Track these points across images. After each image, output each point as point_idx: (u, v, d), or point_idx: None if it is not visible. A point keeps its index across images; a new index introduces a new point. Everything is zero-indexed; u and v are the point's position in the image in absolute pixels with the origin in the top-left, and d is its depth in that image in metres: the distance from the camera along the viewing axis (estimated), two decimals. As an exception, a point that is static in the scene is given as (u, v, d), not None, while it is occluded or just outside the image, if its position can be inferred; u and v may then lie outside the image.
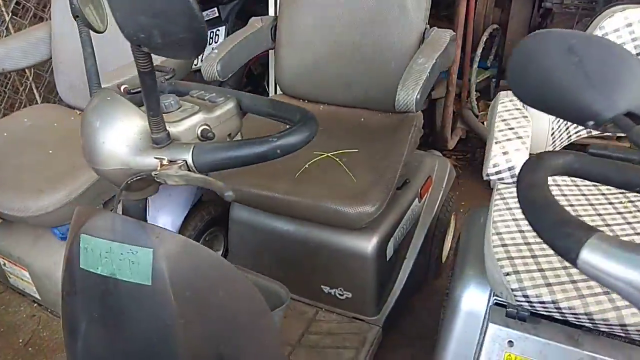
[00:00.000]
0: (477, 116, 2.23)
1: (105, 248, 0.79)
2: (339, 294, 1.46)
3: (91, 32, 0.89)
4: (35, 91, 2.25)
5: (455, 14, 1.86)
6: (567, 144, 1.20)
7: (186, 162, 0.69)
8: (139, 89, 0.90)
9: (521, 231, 1.04)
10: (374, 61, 1.47)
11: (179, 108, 0.82)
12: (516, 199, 1.11)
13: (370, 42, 1.46)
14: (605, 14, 1.05)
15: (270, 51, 1.76)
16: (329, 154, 1.38)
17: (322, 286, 1.46)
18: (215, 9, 2.01)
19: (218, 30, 1.98)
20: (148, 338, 0.79)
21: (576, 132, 1.18)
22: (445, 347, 1.24)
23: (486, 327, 1.06)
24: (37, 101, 2.26)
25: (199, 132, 0.78)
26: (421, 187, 1.55)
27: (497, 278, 0.97)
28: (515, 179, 0.92)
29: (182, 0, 0.48)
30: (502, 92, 1.10)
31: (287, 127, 0.73)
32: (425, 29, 1.41)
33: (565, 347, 0.99)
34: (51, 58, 1.75)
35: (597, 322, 0.89)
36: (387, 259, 1.43)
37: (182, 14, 0.49)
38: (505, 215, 1.07)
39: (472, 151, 2.46)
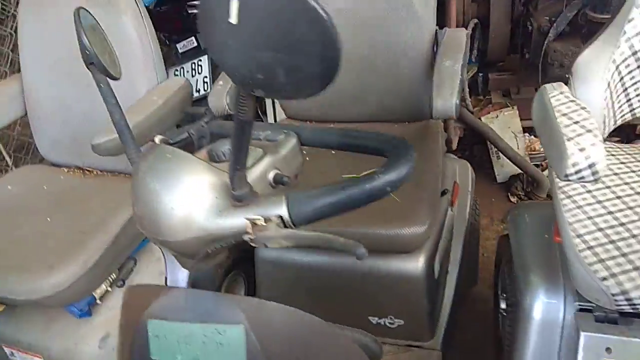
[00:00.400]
0: (472, 112, 2.19)
1: (183, 332, 0.66)
2: (389, 323, 1.36)
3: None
4: (3, 152, 2.05)
5: (446, 12, 1.82)
6: (614, 128, 1.15)
7: (282, 218, 0.58)
8: (181, 139, 0.80)
9: (600, 229, 0.98)
10: (386, 71, 1.39)
11: (238, 154, 0.71)
12: (583, 195, 1.06)
13: (379, 51, 1.38)
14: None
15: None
16: (360, 176, 1.28)
17: (369, 317, 1.36)
18: (193, 38, 1.89)
19: (200, 60, 1.86)
20: None
21: (622, 116, 1.14)
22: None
23: (577, 337, 0.99)
24: (7, 163, 2.07)
25: (270, 178, 0.67)
26: (451, 194, 1.48)
27: (593, 285, 0.90)
28: (596, 177, 0.85)
29: (321, 24, 0.39)
30: (547, 85, 1.04)
31: (382, 161, 0.63)
32: (436, 29, 1.35)
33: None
34: (26, 114, 1.59)
35: None
36: (435, 277, 1.35)
37: (318, 43, 0.40)
38: (579, 215, 1.00)
39: (469, 149, 2.42)
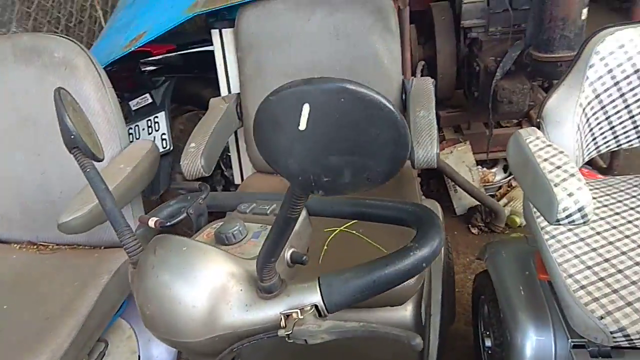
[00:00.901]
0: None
1: None
2: (382, 375, 1.32)
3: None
4: None
5: (403, 59, 1.88)
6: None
7: (316, 307, 0.55)
8: (178, 220, 0.75)
9: (589, 267, 1.01)
10: (356, 121, 1.40)
11: (246, 235, 0.67)
12: (566, 234, 1.09)
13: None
14: (597, 39, 1.09)
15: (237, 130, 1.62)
16: (342, 229, 1.27)
17: (361, 371, 1.32)
18: (147, 95, 1.83)
19: (156, 117, 1.80)
20: None
21: (588, 154, 1.20)
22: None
23: (577, 375, 1.00)
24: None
25: (288, 258, 0.64)
26: (426, 236, 1.49)
27: (591, 324, 0.92)
28: (585, 219, 0.89)
29: (395, 126, 0.37)
30: (521, 131, 1.08)
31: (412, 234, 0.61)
32: (403, 80, 1.38)
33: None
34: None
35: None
36: (423, 324, 1.34)
37: (390, 143, 0.38)
38: (567, 255, 1.04)
39: (426, 183, 2.48)
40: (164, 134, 1.78)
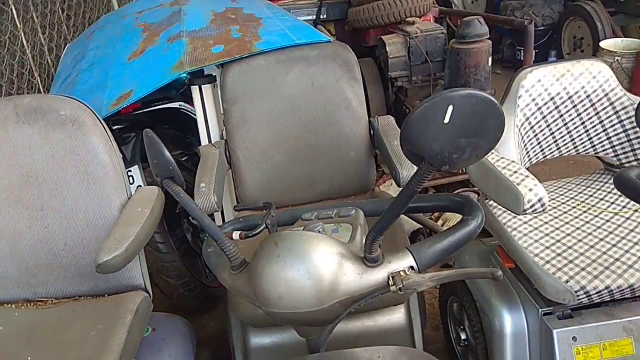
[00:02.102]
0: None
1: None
2: (384, 376, 1.49)
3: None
4: None
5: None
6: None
7: (412, 267, 0.73)
8: (260, 231, 0.90)
9: (547, 247, 1.30)
10: (334, 156, 1.63)
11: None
12: (523, 226, 1.38)
13: (326, 140, 1.62)
14: (521, 75, 1.44)
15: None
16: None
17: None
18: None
19: (130, 171, 1.87)
20: None
21: (524, 164, 1.52)
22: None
23: (551, 335, 1.26)
24: None
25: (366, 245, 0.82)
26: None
27: (560, 288, 1.19)
28: (544, 207, 1.17)
29: (501, 118, 0.59)
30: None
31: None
32: (370, 119, 1.65)
33: (608, 323, 1.26)
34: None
35: (636, 289, 1.18)
36: (412, 325, 1.54)
37: (497, 130, 0.59)
38: (528, 241, 1.32)
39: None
40: (139, 185, 1.86)
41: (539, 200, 1.16)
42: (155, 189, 1.43)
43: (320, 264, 0.72)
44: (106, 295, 1.42)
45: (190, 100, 2.29)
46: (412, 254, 0.75)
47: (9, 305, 1.43)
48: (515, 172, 1.24)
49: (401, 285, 0.71)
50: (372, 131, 1.63)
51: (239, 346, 1.61)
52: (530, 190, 1.17)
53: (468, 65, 2.12)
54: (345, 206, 0.91)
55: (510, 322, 1.39)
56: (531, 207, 1.16)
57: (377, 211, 0.92)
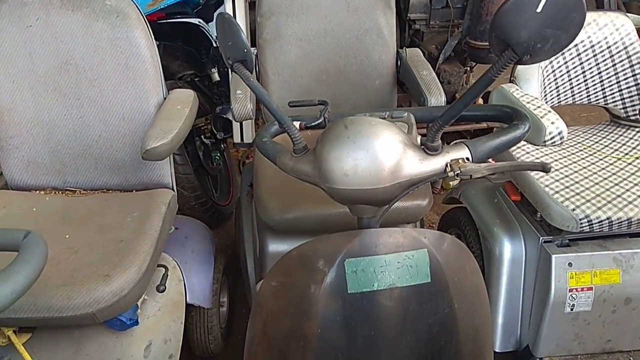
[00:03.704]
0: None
1: (379, 264, 0.84)
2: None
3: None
4: None
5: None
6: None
7: (467, 159, 0.81)
8: (317, 122, 0.97)
9: (557, 180, 1.40)
10: (359, 82, 1.68)
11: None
12: (535, 159, 1.48)
13: (354, 66, 1.67)
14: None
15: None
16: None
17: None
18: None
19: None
20: (431, 329, 0.87)
21: (551, 101, 1.61)
22: (498, 299, 1.52)
23: (550, 260, 1.38)
24: None
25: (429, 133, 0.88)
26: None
27: (566, 215, 1.30)
28: (563, 140, 1.27)
29: (583, 12, 0.65)
30: (504, 85, 1.46)
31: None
32: (398, 49, 1.70)
33: (601, 253, 1.39)
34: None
35: (632, 223, 1.30)
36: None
37: (578, 25, 0.66)
38: (539, 173, 1.42)
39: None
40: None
41: (559, 133, 1.26)
42: (191, 92, 1.47)
43: (387, 146, 0.80)
44: (134, 191, 1.48)
45: (205, 21, 2.29)
46: (468, 147, 0.83)
47: (38, 191, 1.48)
48: (538, 107, 1.32)
49: (458, 172, 0.80)
50: (399, 62, 1.69)
51: (253, 253, 1.70)
52: (552, 123, 1.26)
53: (490, 12, 2.16)
54: (397, 110, 0.98)
55: (510, 249, 1.51)
56: (551, 138, 1.26)
57: (425, 117, 0.99)
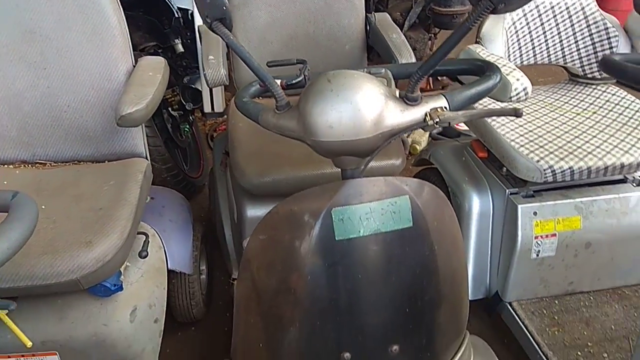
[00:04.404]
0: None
1: (364, 211, 0.88)
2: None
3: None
4: None
5: None
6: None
7: (445, 108, 0.85)
8: (298, 80, 0.98)
9: (521, 135, 1.48)
10: (329, 47, 1.70)
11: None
12: (501, 119, 1.54)
13: (324, 31, 1.68)
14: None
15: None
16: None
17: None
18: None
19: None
20: (413, 271, 0.92)
21: (514, 61, 1.67)
22: (468, 251, 1.60)
23: (516, 210, 1.46)
24: None
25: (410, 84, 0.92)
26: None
27: (531, 166, 1.38)
28: (527, 96, 1.33)
29: None
30: (470, 46, 1.50)
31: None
32: (367, 14, 1.71)
33: (562, 202, 1.48)
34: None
35: (592, 171, 1.39)
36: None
37: None
38: (505, 130, 1.49)
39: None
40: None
41: (524, 89, 1.32)
42: (161, 59, 1.45)
43: (369, 98, 0.83)
44: (106, 161, 1.46)
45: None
46: (445, 97, 0.87)
47: (7, 166, 1.44)
48: (504, 65, 1.38)
49: (437, 120, 0.84)
50: (368, 26, 1.71)
51: (230, 221, 1.72)
52: (518, 80, 1.32)
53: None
54: (374, 67, 1.01)
55: (479, 203, 1.58)
56: (517, 95, 1.31)
57: (402, 73, 1.02)
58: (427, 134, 2.66)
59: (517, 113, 0.84)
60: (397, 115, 0.85)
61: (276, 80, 0.96)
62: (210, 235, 1.89)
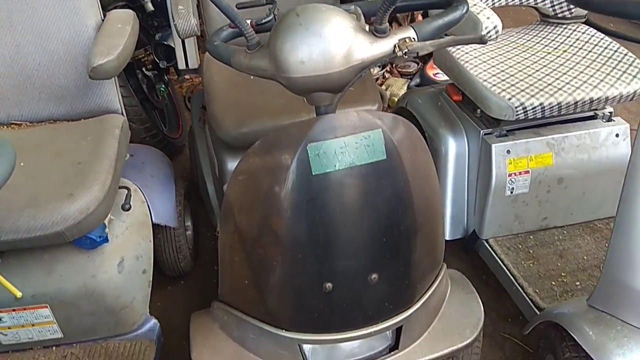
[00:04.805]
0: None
1: (339, 145, 0.91)
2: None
3: None
4: None
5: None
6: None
7: (413, 38, 0.87)
8: (268, 20, 0.99)
9: (493, 74, 1.50)
10: None
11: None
12: (471, 61, 1.56)
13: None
14: None
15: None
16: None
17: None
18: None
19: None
20: (388, 202, 0.96)
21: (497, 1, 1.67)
22: (446, 193, 1.65)
23: (490, 149, 1.50)
24: None
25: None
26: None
27: (503, 104, 1.41)
28: (497, 34, 1.35)
29: None
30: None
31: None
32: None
33: (534, 139, 1.52)
34: None
35: (562, 107, 1.42)
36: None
37: None
38: (478, 70, 1.51)
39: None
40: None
41: (494, 27, 1.34)
42: (130, 12, 1.43)
43: (338, 31, 0.84)
44: (82, 119, 1.46)
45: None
46: (413, 29, 0.88)
47: (-19, 126, 1.42)
48: (474, 4, 1.39)
49: (406, 50, 0.85)
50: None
51: (212, 176, 1.73)
52: (488, 18, 1.33)
53: None
54: (344, 4, 1.02)
55: (455, 145, 1.62)
56: (487, 32, 1.33)
57: (372, 11, 1.03)
58: (405, 85, 2.67)
59: (482, 40, 0.86)
60: (367, 48, 0.86)
61: (246, 20, 0.96)
62: (194, 194, 1.91)
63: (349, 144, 0.91)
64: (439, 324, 1.15)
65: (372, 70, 2.82)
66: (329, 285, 0.97)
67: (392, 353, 1.09)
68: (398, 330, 1.09)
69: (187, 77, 2.71)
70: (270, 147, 0.94)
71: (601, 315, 1.14)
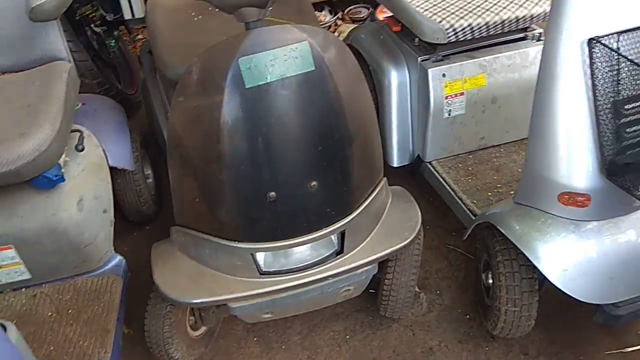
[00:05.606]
0: None
1: (268, 58, 0.98)
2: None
3: None
4: None
5: None
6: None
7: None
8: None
9: (425, 1, 1.57)
10: None
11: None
12: None
13: None
14: None
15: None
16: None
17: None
18: None
19: None
20: (321, 111, 1.04)
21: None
22: (391, 122, 1.74)
23: (427, 74, 1.59)
24: None
25: None
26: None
27: (434, 27, 1.49)
28: None
29: None
30: None
31: None
32: None
33: (468, 62, 1.61)
34: None
35: (490, 27, 1.51)
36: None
37: None
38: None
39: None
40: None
41: None
42: None
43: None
44: (29, 69, 1.47)
45: None
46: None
47: None
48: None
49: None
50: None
51: (165, 119, 1.78)
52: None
53: None
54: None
55: (396, 75, 1.70)
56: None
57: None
58: (353, 25, 2.72)
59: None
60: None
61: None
62: (154, 146, 1.95)
63: (278, 56, 0.98)
64: (380, 229, 1.25)
65: (323, 17, 2.86)
66: (272, 194, 1.06)
67: (338, 257, 1.19)
68: (342, 236, 1.19)
69: (138, 34, 2.71)
70: (205, 64, 1.00)
71: (526, 209, 1.26)
